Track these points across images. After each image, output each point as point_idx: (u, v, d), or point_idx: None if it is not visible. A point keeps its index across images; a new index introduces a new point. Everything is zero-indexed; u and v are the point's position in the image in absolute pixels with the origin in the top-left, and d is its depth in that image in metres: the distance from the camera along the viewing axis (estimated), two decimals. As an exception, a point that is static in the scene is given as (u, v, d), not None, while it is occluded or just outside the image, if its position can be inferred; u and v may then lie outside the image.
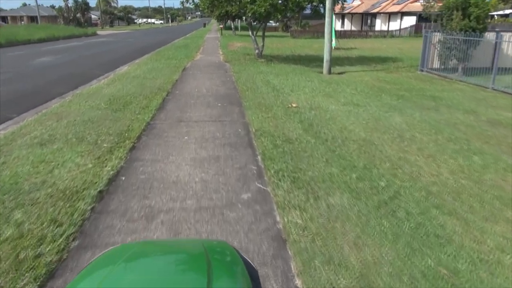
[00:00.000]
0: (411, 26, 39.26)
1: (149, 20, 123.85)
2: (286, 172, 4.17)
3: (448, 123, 6.45)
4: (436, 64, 13.17)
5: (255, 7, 12.87)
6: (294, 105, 7.37)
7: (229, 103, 7.91)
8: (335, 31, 23.76)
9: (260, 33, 16.15)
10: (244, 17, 17.01)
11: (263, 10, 12.84)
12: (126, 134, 5.55)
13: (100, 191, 3.75)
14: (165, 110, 7.28)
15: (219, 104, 7.75)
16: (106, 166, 4.35)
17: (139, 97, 8.26)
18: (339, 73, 13.01)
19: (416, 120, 6.59)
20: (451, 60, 12.49)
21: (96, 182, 3.91)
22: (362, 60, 17.33)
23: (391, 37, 38.37)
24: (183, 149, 5.05)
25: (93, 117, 6.50)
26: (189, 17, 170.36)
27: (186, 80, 10.89)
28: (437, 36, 12.92)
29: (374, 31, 41.41)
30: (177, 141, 5.40)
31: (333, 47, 24.04)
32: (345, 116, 6.69)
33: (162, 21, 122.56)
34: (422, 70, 13.43)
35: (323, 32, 43.78)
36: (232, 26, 43.38)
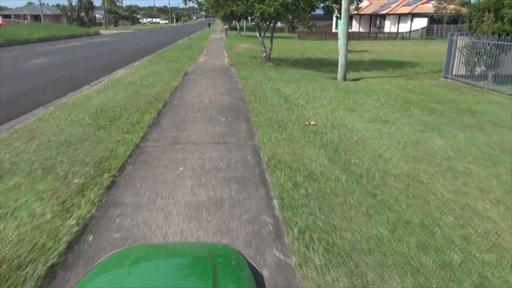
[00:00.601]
0: (422, 28, 37.96)
1: (154, 20, 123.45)
2: (315, 232, 3.01)
3: (502, 148, 5.27)
4: (462, 70, 11.96)
5: (264, 7, 11.74)
6: (312, 122, 6.21)
7: (235, 117, 6.77)
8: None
9: (268, 35, 14.99)
10: (249, 18, 15.89)
11: (272, 10, 11.70)
12: (107, 164, 4.42)
13: (52, 266, 2.62)
14: (159, 127, 6.14)
15: (223, 119, 6.62)
16: (70, 218, 3.22)
17: (131, 109, 7.14)
18: (354, 80, 11.85)
19: (462, 144, 5.41)
20: (480, 67, 11.29)
21: (50, 248, 2.79)
22: (377, 65, 16.16)
23: (402, 39, 37.09)
24: (176, 187, 3.91)
25: (72, 137, 5.38)
26: (194, 17, 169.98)
27: (187, 87, 9.76)
28: (464, 40, 11.71)
29: (383, 33, 40.03)
30: (169, 173, 4.26)
31: (344, 50, 22.91)
32: (375, 138, 5.52)
33: (167, 21, 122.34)
34: (446, 77, 12.22)
35: (330, 33, 42.56)
36: (238, 27, 42.30)
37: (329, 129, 5.92)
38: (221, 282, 1.03)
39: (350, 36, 31.21)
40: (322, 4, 13.03)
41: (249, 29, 51.07)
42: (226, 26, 39.74)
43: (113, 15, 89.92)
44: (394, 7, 42.27)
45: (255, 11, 12.12)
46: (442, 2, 37.74)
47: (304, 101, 8.00)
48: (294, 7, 12.28)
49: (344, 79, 11.81)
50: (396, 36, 38.33)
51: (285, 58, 17.44)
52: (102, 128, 5.84)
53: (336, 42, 29.10)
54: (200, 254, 1.28)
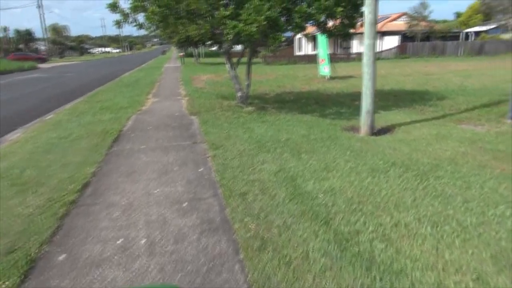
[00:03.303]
0: (395, 47, 35.32)
1: (105, 49, 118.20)
2: None
3: None
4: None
5: (241, 25, 7.25)
6: None
7: None
8: (328, 55, 18.61)
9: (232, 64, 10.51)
10: (209, 43, 11.36)
11: (254, 30, 7.23)
12: None
13: None
14: None
15: None
16: None
17: None
18: (385, 131, 7.63)
19: None
20: None
21: None
22: (388, 98, 12.15)
23: (378, 59, 34.04)
24: None
25: None
26: (149, 45, 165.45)
27: (108, 185, 4.89)
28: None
29: (350, 54, 36.32)
30: None
31: (326, 77, 18.85)
32: None
33: (119, 50, 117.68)
34: (514, 118, 8.23)
35: (295, 57, 37.35)
36: (195, 53, 37.83)
37: None
38: None
39: (314, 59, 24.77)
40: (322, 19, 8.75)
41: (207, 55, 46.89)
42: (181, 54, 35.19)
43: (58, 46, 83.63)
44: (359, 27, 39.76)
45: (226, 32, 7.59)
46: (415, 19, 35.65)
47: (373, 232, 3.38)
48: (287, 24, 7.92)
49: (372, 131, 7.51)
50: (366, 56, 35.20)
51: (264, 94, 13.01)
52: None
53: (309, 66, 25.22)
54: None
